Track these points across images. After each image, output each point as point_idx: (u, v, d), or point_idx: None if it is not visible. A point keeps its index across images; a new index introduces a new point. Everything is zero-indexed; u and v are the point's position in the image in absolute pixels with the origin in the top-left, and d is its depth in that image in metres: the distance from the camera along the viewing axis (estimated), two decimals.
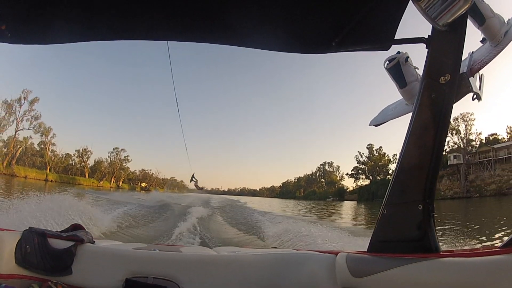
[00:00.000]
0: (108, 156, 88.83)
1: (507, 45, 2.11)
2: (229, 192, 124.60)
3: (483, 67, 2.10)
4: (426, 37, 2.03)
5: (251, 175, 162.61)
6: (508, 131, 66.16)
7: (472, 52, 2.33)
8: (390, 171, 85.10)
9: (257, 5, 2.05)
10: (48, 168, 72.70)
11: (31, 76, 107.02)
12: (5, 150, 64.40)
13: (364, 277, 2.07)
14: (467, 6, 1.59)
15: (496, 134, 67.29)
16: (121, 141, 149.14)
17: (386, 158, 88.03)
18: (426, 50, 2.05)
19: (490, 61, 2.09)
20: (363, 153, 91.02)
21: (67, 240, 2.47)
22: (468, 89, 2.01)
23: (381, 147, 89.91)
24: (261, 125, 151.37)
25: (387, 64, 2.38)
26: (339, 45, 2.23)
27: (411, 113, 2.13)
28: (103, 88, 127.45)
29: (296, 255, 2.63)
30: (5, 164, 61.71)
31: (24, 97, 66.80)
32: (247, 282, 2.44)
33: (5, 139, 64.73)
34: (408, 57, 2.36)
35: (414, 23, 2.16)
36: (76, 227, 2.76)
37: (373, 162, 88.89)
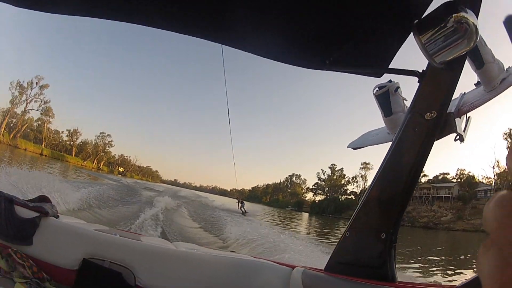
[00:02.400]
0: (95, 139, 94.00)
1: (501, 92, 2.03)
2: (201, 189, 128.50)
3: (471, 110, 2.06)
4: (421, 70, 1.98)
5: (225, 175, 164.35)
6: (458, 173, 70.71)
7: (464, 93, 2.27)
8: (348, 191, 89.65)
9: (259, 8, 1.92)
10: (44, 143, 76.65)
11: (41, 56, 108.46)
12: (13, 123, 71.18)
13: None
14: (468, 48, 1.56)
15: (447, 174, 71.92)
16: (110, 125, 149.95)
17: (345, 179, 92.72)
18: (418, 83, 1.99)
19: (480, 105, 2.04)
20: (325, 172, 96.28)
21: (32, 211, 2.43)
22: (452, 129, 1.94)
23: (342, 168, 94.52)
24: (242, 129, 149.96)
25: (377, 91, 2.34)
26: (332, 64, 2.16)
27: (390, 143, 2.11)
28: (105, 71, 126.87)
29: (253, 263, 2.57)
30: (11, 137, 68.56)
31: (36, 82, 74.10)
32: (202, 281, 2.39)
33: (18, 113, 72.52)
34: (399, 87, 2.32)
35: (410, 53, 2.12)
36: (43, 198, 2.70)
37: (330, 182, 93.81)
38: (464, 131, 2.04)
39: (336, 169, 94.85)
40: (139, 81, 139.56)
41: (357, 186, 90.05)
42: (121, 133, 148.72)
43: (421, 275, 15.18)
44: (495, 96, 2.02)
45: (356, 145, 2.84)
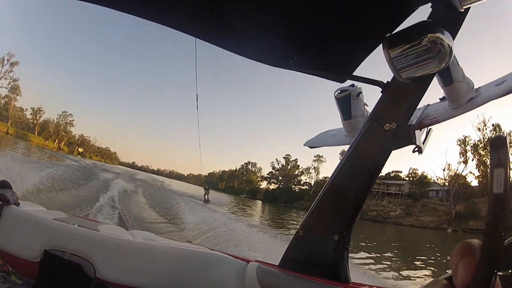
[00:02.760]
0: (57, 118, 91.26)
1: (466, 111, 2.00)
2: (158, 172, 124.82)
3: (433, 124, 2.05)
4: (385, 81, 1.97)
5: (182, 159, 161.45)
6: (410, 172, 71.99)
7: (428, 104, 2.25)
8: (302, 182, 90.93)
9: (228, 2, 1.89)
10: (9, 122, 75.29)
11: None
12: None
13: None
14: (438, 69, 1.53)
15: (400, 172, 73.02)
16: (72, 103, 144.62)
17: (299, 170, 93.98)
18: (381, 93, 2.00)
19: (443, 121, 2.02)
20: (279, 161, 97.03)
21: None
22: (411, 141, 1.94)
23: (296, 159, 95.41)
24: (203, 114, 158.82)
25: (338, 93, 2.31)
26: (296, 64, 2.12)
27: (347, 146, 2.14)
28: (72, 49, 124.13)
29: (209, 256, 2.57)
30: None
31: (7, 59, 73.09)
32: (158, 273, 2.41)
33: None
34: (361, 92, 2.30)
35: (377, 62, 2.00)
36: (4, 184, 2.64)
37: (284, 172, 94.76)
38: (423, 142, 2.08)
39: (291, 159, 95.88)
40: (103, 60, 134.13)
41: (309, 177, 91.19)
42: (82, 112, 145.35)
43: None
44: (460, 114, 1.99)
45: (312, 144, 2.83)
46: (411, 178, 71.51)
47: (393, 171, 74.20)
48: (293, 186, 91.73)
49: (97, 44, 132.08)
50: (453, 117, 2.00)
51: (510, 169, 0.40)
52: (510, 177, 0.40)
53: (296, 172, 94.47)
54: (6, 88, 77.49)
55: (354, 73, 2.12)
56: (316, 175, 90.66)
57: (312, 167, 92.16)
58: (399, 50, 1.55)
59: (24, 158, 27.12)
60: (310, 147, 2.88)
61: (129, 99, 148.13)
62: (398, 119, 1.88)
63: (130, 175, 41.64)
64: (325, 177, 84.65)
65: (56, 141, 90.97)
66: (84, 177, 23.66)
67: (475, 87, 2.06)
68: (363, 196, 1.97)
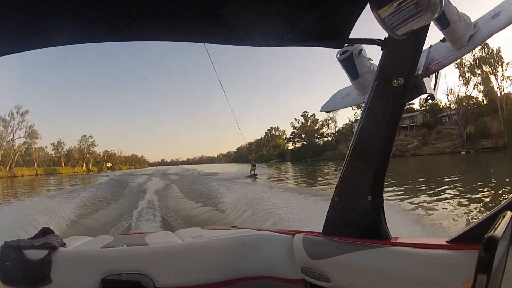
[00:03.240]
0: (78, 144, 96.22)
1: (470, 50, 1.93)
2: (188, 162, 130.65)
3: (440, 69, 1.97)
4: (383, 38, 1.90)
5: (209, 143, 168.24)
6: (421, 101, 67.90)
7: (430, 46, 2.14)
8: (325, 134, 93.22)
9: None
10: (36, 164, 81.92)
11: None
12: (5, 155, 75.50)
13: (319, 259, 2.09)
14: (431, 19, 1.45)
15: (412, 104, 69.85)
16: (89, 126, 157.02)
17: (319, 124, 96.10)
18: (381, 51, 1.94)
19: (449, 64, 1.96)
20: (298, 120, 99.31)
21: (41, 249, 2.37)
22: (422, 91, 1.89)
23: (314, 114, 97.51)
24: (218, 95, 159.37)
25: (340, 55, 2.23)
26: (292, 40, 2.07)
27: (363, 105, 2.09)
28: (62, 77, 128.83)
29: (255, 237, 2.59)
30: (7, 169, 73.18)
31: (16, 112, 78.85)
32: (211, 266, 2.43)
33: (8, 147, 76.88)
34: (362, 49, 2.20)
35: (373, 22, 1.70)
36: (46, 231, 2.67)
37: (305, 129, 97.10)
38: (434, 88, 2.00)
39: (309, 115, 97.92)
40: (105, 73, 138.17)
41: (329, 128, 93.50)
42: (100, 131, 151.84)
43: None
44: (464, 54, 1.95)
45: (328, 108, 2.79)
46: (422, 108, 71.85)
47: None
48: (317, 140, 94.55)
49: (97, 55, 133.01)
50: (459, 58, 1.98)
51: None
52: None
53: (317, 127, 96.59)
54: (24, 137, 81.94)
55: (350, 37, 2.07)
56: (335, 124, 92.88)
57: (329, 117, 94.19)
58: (388, 8, 1.46)
59: (56, 193, 26.86)
60: (327, 112, 2.89)
61: (139, 101, 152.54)
62: (404, 74, 1.85)
63: (161, 172, 42.14)
64: (345, 124, 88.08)
65: (84, 164, 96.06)
66: (116, 190, 23.33)
67: (472, 22, 1.97)
68: (387, 152, 1.96)
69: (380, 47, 1.93)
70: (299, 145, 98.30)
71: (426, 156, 56.05)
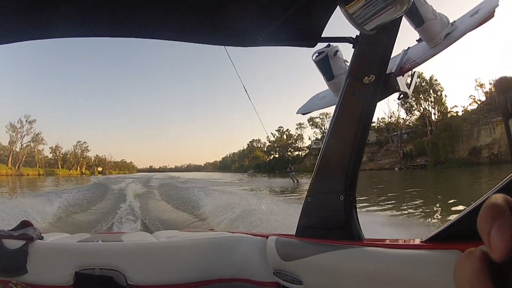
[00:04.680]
0: (73, 148, 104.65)
1: (445, 48, 1.88)
2: (176, 169, 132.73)
3: (414, 67, 1.95)
4: (354, 37, 1.91)
5: (196, 151, 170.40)
6: (379, 120, 77.82)
7: (407, 48, 2.13)
8: (295, 147, 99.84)
9: None
10: (38, 165, 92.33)
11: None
12: (15, 156, 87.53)
13: (292, 260, 2.06)
14: (400, 13, 1.43)
15: (373, 122, 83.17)
16: (83, 132, 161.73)
17: (293, 138, 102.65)
18: (353, 49, 1.92)
19: (423, 62, 1.93)
20: (274, 134, 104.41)
21: (19, 239, 2.38)
22: (394, 89, 1.86)
23: (288, 129, 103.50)
24: (209, 104, 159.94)
25: (316, 56, 2.23)
26: (266, 39, 2.08)
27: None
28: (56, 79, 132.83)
29: (230, 239, 2.58)
30: (16, 168, 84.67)
31: (26, 120, 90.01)
32: (185, 265, 2.40)
33: (17, 150, 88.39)
34: (338, 51, 2.20)
35: (346, 21, 1.74)
36: (25, 223, 2.66)
37: (280, 143, 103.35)
38: (408, 87, 1.98)
39: (283, 130, 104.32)
40: (98, 77, 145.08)
41: (299, 142, 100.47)
42: (94, 136, 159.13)
43: None
44: (439, 52, 1.89)
45: (304, 110, 2.75)
46: (377, 126, 77.21)
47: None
48: (289, 154, 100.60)
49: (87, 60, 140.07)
50: (433, 56, 1.91)
51: None
52: None
53: (291, 141, 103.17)
54: (30, 141, 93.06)
55: (322, 35, 2.05)
56: (301, 141, 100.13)
57: (296, 134, 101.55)
58: (356, 4, 1.48)
59: (34, 191, 29.54)
60: (303, 114, 2.79)
61: (129, 107, 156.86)
62: (375, 71, 1.82)
63: (144, 180, 40.55)
64: (310, 142, 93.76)
65: (78, 168, 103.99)
66: (99, 193, 23.19)
67: (450, 22, 1.92)
68: (359, 151, 1.91)
69: (352, 47, 1.94)
70: (271, 158, 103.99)
71: (367, 171, 59.68)
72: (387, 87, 1.88)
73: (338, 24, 2.00)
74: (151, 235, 3.06)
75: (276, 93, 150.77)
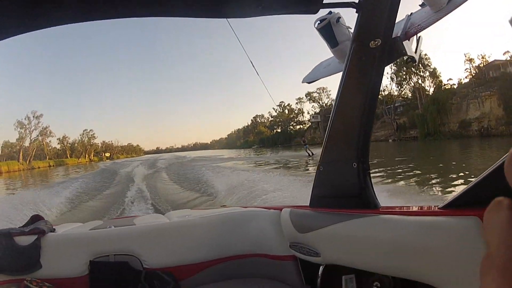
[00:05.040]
0: (80, 137, 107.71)
1: (449, 12, 1.83)
2: (183, 149, 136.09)
3: (419, 32, 1.91)
4: (357, 1, 1.85)
5: (202, 130, 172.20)
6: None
7: (410, 14, 2.08)
8: (297, 121, 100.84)
9: None
10: (48, 157, 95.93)
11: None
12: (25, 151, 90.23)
13: (308, 232, 2.00)
14: None
15: None
16: (88, 120, 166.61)
17: (294, 113, 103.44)
18: (356, 13, 1.85)
19: (428, 26, 1.89)
20: (276, 109, 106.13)
21: (30, 235, 2.35)
22: (401, 53, 1.83)
23: (289, 104, 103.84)
24: (210, 82, 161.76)
25: (318, 24, 2.16)
26: (266, 8, 2.00)
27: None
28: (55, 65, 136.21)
29: (244, 213, 2.53)
30: (27, 162, 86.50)
31: (33, 116, 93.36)
32: (199, 244, 2.36)
33: (27, 145, 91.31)
34: (340, 17, 2.13)
35: None
36: (36, 218, 2.63)
37: (281, 117, 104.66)
38: (415, 52, 1.92)
39: (285, 105, 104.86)
40: (99, 69, 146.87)
41: (301, 116, 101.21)
42: (99, 123, 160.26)
43: None
44: (443, 17, 1.85)
45: (310, 79, 2.67)
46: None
47: None
48: (291, 127, 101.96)
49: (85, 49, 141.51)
50: (437, 20, 1.87)
51: None
52: None
53: (292, 115, 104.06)
54: (39, 136, 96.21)
55: (324, 1, 1.99)
56: (302, 115, 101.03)
57: (297, 108, 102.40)
58: None
59: (46, 183, 29.78)
60: (308, 82, 2.70)
61: (132, 91, 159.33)
62: (381, 34, 1.78)
63: (151, 162, 40.34)
64: (312, 113, 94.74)
65: (86, 155, 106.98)
66: (107, 178, 23.33)
67: None
68: (370, 117, 1.86)
69: (355, 12, 1.87)
70: (274, 132, 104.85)
71: None
72: (393, 51, 1.85)
73: None
74: (163, 216, 3.01)
75: (278, 66, 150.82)
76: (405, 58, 1.88)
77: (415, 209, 1.70)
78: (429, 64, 68.69)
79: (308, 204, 2.18)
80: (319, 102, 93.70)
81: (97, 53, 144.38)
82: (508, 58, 58.19)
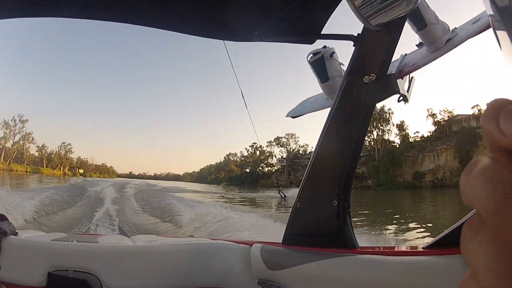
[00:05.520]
0: (58, 148, 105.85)
1: (446, 52, 1.87)
2: (155, 177, 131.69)
3: (414, 71, 1.92)
4: (356, 35, 1.82)
5: (176, 160, 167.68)
6: None
7: (405, 54, 2.11)
8: (267, 163, 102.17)
9: None
10: (26, 162, 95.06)
11: None
12: (6, 153, 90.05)
13: (279, 270, 1.90)
14: (407, 10, 1.39)
15: None
16: (67, 133, 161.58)
17: (264, 155, 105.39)
18: (353, 47, 1.83)
19: (423, 66, 1.91)
20: (248, 149, 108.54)
21: None
22: (394, 90, 1.82)
23: (261, 145, 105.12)
24: (190, 113, 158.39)
25: (311, 57, 2.17)
26: (262, 34, 1.99)
27: (329, 108, 1.94)
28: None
29: (212, 245, 2.43)
30: (7, 164, 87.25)
31: (19, 119, 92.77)
32: (163, 272, 2.27)
33: (8, 147, 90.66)
34: (334, 52, 2.15)
35: (345, 18, 1.92)
36: (0, 217, 2.51)
37: (252, 158, 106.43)
38: (408, 91, 1.93)
39: (256, 146, 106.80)
40: (80, 86, 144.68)
41: (272, 159, 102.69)
42: (78, 138, 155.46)
43: None
44: (439, 57, 1.89)
45: (294, 114, 2.68)
46: None
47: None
48: (259, 169, 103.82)
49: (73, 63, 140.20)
50: (433, 60, 1.89)
51: None
52: None
53: (263, 157, 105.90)
54: (21, 140, 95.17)
55: (322, 32, 1.98)
56: (272, 157, 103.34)
57: (267, 151, 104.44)
58: None
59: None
60: (293, 117, 2.72)
61: (114, 113, 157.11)
62: (376, 70, 1.75)
63: (120, 185, 39.70)
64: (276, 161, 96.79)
65: (61, 168, 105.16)
66: (76, 195, 22.93)
67: (451, 29, 1.92)
68: (356, 153, 1.83)
69: (353, 45, 1.86)
70: (243, 172, 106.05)
71: None
72: (387, 87, 1.83)
73: (337, 24, 1.97)
74: (128, 238, 2.91)
75: (264, 100, 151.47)
76: (397, 96, 1.86)
77: (397, 249, 1.66)
78: (390, 118, 72.67)
79: (280, 241, 2.09)
80: (286, 147, 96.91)
81: (89, 69, 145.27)
82: (477, 112, 62.00)
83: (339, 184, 1.83)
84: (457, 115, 63.88)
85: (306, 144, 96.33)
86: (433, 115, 68.65)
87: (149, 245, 2.53)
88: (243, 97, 3.06)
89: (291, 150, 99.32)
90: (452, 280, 1.24)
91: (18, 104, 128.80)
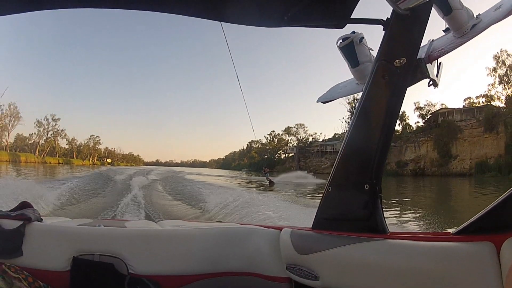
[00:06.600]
0: (87, 141, 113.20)
1: (472, 38, 1.84)
2: (181, 164, 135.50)
3: (442, 55, 1.90)
4: (385, 19, 1.79)
5: (203, 148, 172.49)
6: (336, 131, 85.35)
7: (433, 40, 2.07)
8: (284, 150, 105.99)
9: None
10: (57, 155, 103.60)
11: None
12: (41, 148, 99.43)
13: (308, 254, 1.88)
14: None
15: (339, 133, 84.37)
16: (96, 126, 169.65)
17: (282, 142, 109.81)
18: (383, 32, 1.80)
19: (451, 51, 1.88)
20: (267, 137, 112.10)
21: (16, 220, 2.26)
22: (424, 74, 1.79)
23: (279, 133, 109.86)
24: (217, 102, 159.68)
25: (340, 42, 2.12)
26: (292, 19, 1.95)
27: (361, 93, 1.92)
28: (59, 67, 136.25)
29: (240, 229, 2.36)
30: (42, 157, 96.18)
31: (52, 118, 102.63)
32: (192, 256, 2.22)
33: (42, 143, 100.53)
34: (363, 37, 2.09)
35: (373, 4, 1.95)
36: (24, 205, 2.50)
37: (270, 145, 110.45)
38: (437, 76, 1.88)
39: (275, 134, 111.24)
40: (111, 78, 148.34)
41: (286, 146, 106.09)
42: (106, 130, 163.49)
43: None
44: (465, 42, 1.85)
45: (325, 99, 2.63)
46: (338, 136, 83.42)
47: (336, 134, 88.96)
48: (276, 155, 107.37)
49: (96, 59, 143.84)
50: (460, 45, 1.86)
51: None
52: None
53: (281, 144, 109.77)
54: (52, 136, 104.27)
55: (351, 16, 1.92)
56: (288, 144, 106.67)
57: (286, 140, 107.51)
58: None
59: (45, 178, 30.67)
60: (324, 102, 2.65)
61: (140, 104, 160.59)
62: (406, 54, 1.73)
63: (145, 172, 39.69)
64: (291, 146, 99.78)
65: (91, 158, 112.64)
66: (103, 183, 22.77)
67: (475, 15, 1.90)
68: (388, 137, 1.79)
69: (382, 29, 1.82)
70: (262, 159, 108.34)
71: (325, 174, 60.72)
72: (417, 72, 1.79)
73: (364, 11, 1.91)
74: (155, 223, 2.87)
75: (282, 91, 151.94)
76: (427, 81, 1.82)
77: (427, 235, 1.62)
78: None
79: (310, 226, 2.06)
80: (296, 136, 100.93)
81: (114, 64, 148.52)
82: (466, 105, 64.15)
83: (371, 169, 1.79)
84: (441, 108, 66.24)
85: (315, 133, 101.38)
86: (419, 108, 71.42)
87: (177, 229, 2.50)
88: (240, 86, 3.12)
89: (301, 138, 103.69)
90: (480, 266, 1.26)
91: (50, 103, 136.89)
